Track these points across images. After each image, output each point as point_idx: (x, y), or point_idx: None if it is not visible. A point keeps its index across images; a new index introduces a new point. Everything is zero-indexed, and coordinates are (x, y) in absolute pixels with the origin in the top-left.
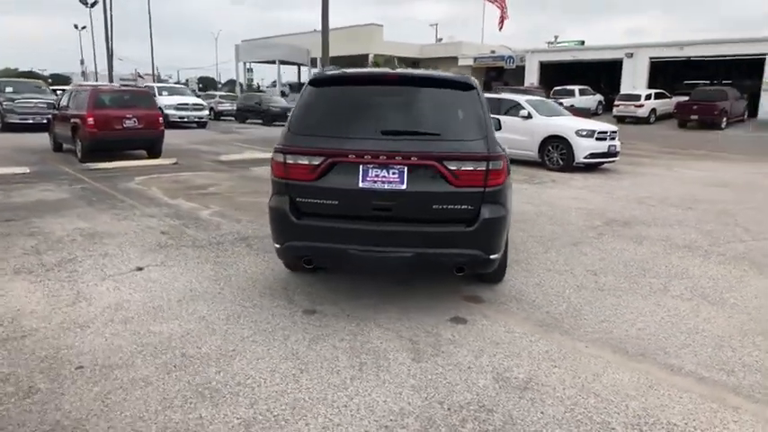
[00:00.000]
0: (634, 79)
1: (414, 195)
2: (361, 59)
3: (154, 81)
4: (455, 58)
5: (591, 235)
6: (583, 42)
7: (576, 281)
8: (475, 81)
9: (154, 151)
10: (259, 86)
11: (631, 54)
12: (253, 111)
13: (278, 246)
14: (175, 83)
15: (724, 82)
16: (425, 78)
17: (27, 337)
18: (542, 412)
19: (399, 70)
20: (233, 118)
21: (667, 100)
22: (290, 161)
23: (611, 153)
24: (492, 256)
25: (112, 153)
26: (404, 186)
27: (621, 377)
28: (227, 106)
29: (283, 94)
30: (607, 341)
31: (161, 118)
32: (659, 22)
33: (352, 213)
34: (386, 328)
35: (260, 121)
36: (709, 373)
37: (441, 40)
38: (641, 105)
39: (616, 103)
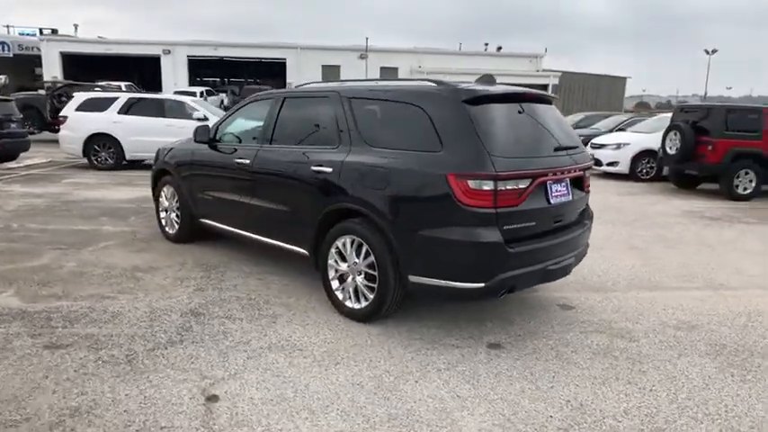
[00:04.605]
0: (175, 76)
1: (575, 204)
2: None
3: None
4: None
5: None
6: (55, 31)
7: None
8: None
9: None
10: None
11: (169, 51)
12: None
13: (481, 285)
14: None
15: (257, 81)
16: (541, 96)
17: None
18: (747, 336)
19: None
20: None
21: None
22: (501, 187)
23: None
24: None
25: None
26: (571, 197)
27: (707, 303)
28: None
29: None
30: (646, 287)
31: None
32: (109, 16)
33: (542, 230)
34: (564, 334)
35: None
36: (734, 283)
37: None
38: None
39: None
